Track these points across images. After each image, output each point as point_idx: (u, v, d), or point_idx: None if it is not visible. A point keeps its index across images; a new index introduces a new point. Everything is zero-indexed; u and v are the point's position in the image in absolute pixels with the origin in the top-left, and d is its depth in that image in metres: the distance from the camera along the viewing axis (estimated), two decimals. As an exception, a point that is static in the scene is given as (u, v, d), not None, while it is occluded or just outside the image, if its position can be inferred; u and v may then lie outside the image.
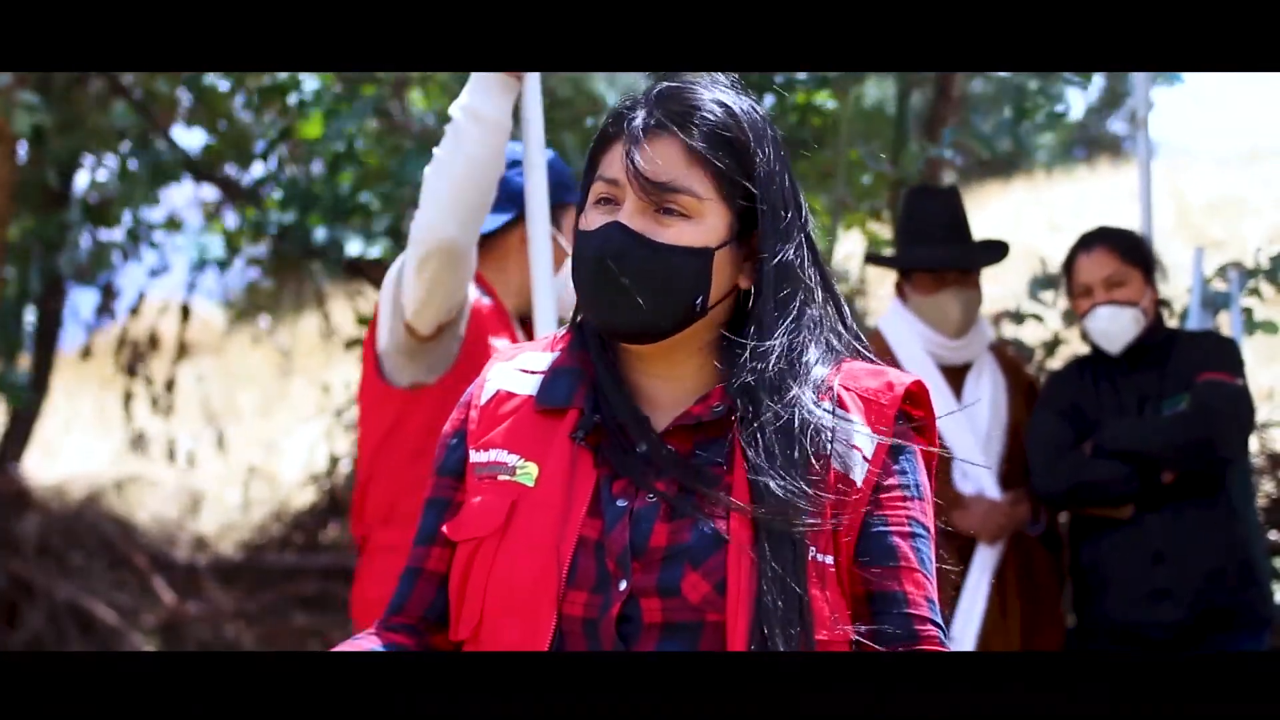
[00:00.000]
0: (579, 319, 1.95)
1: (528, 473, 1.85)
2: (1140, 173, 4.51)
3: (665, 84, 1.88)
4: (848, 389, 1.86)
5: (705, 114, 1.84)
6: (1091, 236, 4.06)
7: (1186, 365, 3.92)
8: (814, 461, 1.79)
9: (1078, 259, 4.02)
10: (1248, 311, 4.67)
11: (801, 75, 5.03)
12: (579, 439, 1.85)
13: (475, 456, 1.90)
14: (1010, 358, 4.38)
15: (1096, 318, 3.97)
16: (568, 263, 3.47)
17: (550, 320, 3.14)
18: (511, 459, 1.86)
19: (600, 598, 1.78)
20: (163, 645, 7.54)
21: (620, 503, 1.82)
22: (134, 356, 8.19)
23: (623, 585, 1.78)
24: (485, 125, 3.08)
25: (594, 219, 1.86)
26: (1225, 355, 3.96)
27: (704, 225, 1.83)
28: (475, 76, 3.11)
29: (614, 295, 1.82)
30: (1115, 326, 3.96)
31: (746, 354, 1.83)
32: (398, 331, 3.32)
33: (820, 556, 1.78)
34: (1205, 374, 3.87)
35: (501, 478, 1.86)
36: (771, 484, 1.77)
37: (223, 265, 7.35)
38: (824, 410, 1.82)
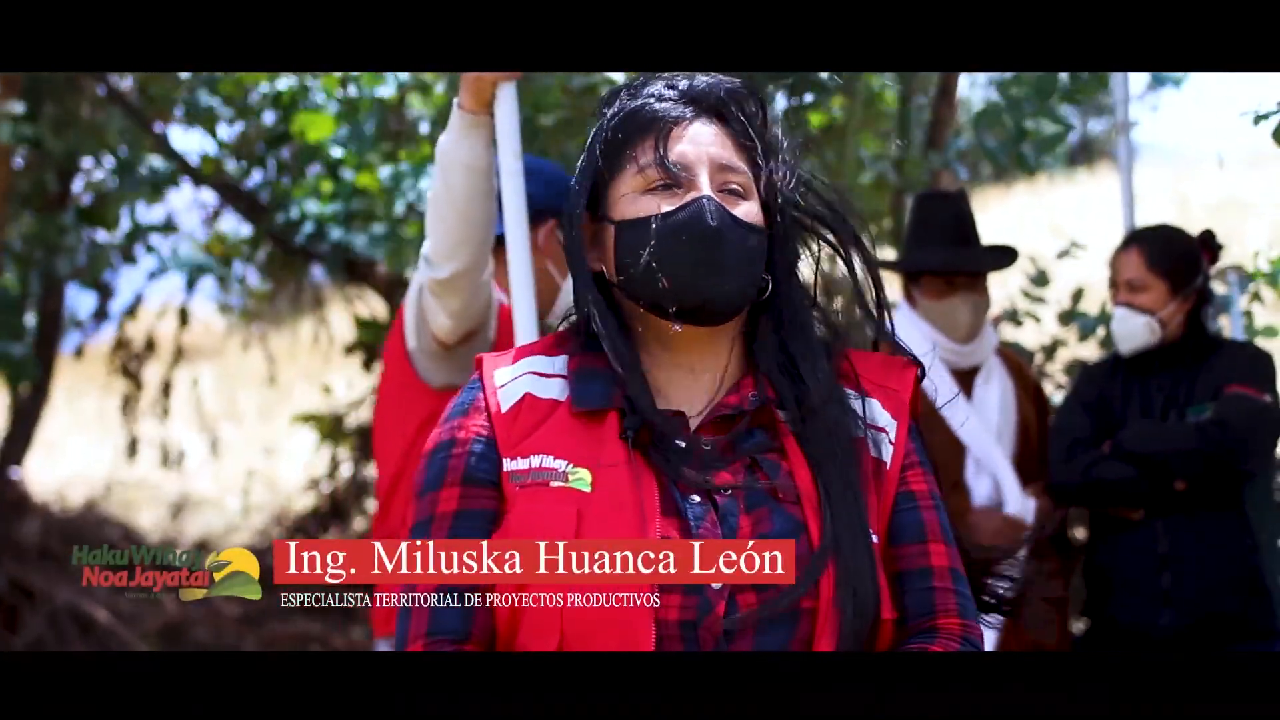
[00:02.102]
0: (573, 319, 1.93)
1: (581, 478, 1.81)
2: (1122, 176, 4.49)
3: (688, 76, 1.91)
4: (864, 376, 1.91)
5: (743, 103, 1.90)
6: (1133, 235, 4.07)
7: (1217, 374, 3.90)
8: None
9: (1117, 253, 4.04)
10: (1248, 315, 4.66)
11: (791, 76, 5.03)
12: (629, 439, 1.82)
13: (512, 465, 1.85)
14: (1015, 360, 4.38)
15: (1113, 316, 4.01)
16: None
17: (530, 326, 3.15)
18: (559, 464, 1.82)
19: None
20: (163, 650, 7.54)
21: (695, 498, 1.82)
22: (132, 359, 8.18)
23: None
24: (463, 169, 3.14)
25: (649, 203, 1.85)
26: (1257, 369, 3.94)
27: (756, 206, 1.88)
28: (452, 117, 3.15)
29: (709, 270, 1.82)
30: (1124, 329, 3.98)
31: (774, 338, 1.89)
32: (425, 337, 3.38)
33: (874, 537, 1.82)
34: (1232, 386, 3.86)
35: (554, 484, 1.82)
36: (817, 418, 1.83)
37: (222, 279, 7.36)
38: (852, 395, 1.88)
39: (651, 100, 1.89)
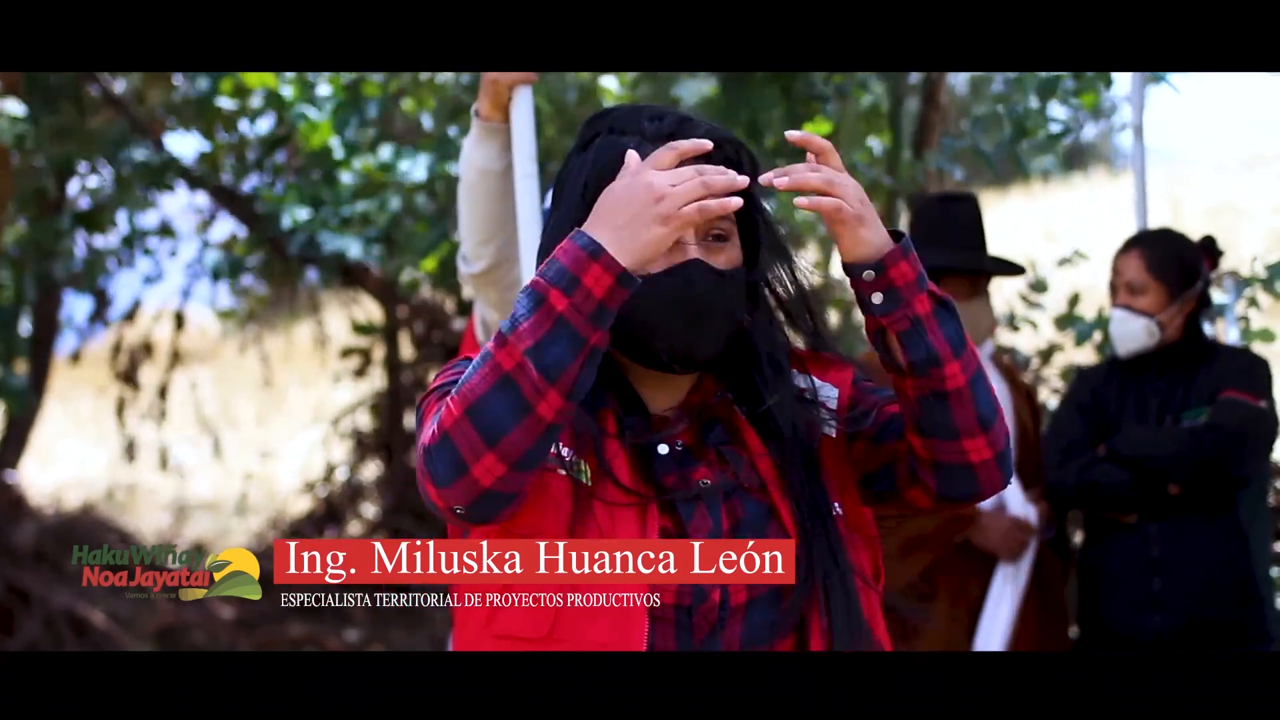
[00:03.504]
0: None
1: (583, 470, 1.87)
2: (1135, 179, 4.46)
3: (669, 116, 1.91)
4: (807, 364, 1.99)
5: (723, 145, 1.89)
6: (1134, 238, 4.06)
7: (1213, 379, 3.90)
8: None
9: (1118, 255, 4.03)
10: (1244, 321, 4.66)
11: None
12: (625, 439, 1.88)
13: None
14: (1007, 365, 4.37)
15: (1112, 318, 4.01)
16: None
17: None
18: (566, 452, 1.87)
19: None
20: (159, 651, 7.53)
21: (682, 492, 1.87)
22: (129, 364, 8.18)
23: None
24: (480, 173, 3.23)
25: None
26: (1252, 375, 3.93)
27: (736, 247, 1.91)
28: (472, 124, 3.23)
29: (697, 333, 1.87)
30: (1122, 331, 3.97)
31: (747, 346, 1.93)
32: (490, 331, 3.46)
33: (838, 508, 1.91)
34: (1228, 391, 3.86)
35: (560, 471, 1.86)
36: (779, 406, 1.90)
37: (232, 276, 7.34)
38: (803, 381, 1.96)
39: (640, 141, 1.87)
